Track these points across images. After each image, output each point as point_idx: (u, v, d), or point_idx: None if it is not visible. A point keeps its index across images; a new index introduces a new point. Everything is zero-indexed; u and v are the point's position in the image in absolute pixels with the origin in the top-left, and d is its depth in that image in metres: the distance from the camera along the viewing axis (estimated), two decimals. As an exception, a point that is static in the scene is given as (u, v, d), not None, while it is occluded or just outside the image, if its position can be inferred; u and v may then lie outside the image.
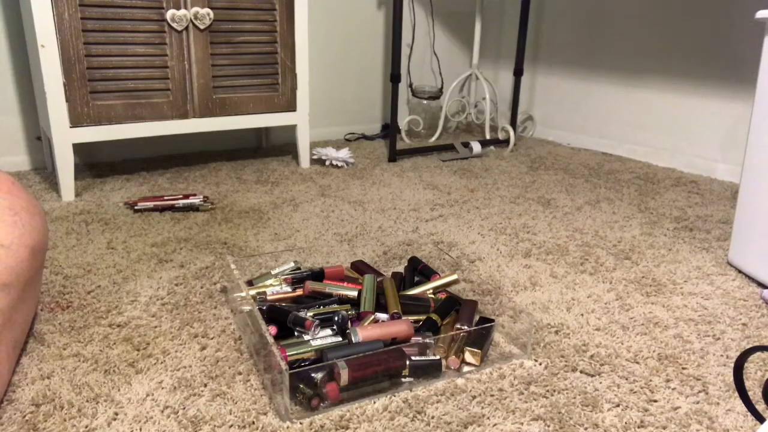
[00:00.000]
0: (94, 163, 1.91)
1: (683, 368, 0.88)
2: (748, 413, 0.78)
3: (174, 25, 1.60)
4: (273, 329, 0.86)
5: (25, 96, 1.80)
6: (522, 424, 0.75)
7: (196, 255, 1.23)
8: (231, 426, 0.73)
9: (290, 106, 1.85)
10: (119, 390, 0.79)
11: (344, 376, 0.76)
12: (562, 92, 2.38)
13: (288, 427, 0.73)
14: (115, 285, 1.09)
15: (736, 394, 0.82)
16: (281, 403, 0.77)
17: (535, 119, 2.50)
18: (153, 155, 2.03)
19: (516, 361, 0.88)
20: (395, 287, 0.98)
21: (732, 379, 0.85)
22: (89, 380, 0.81)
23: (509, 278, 1.16)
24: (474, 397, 0.80)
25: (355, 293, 0.97)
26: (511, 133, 2.22)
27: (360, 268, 1.11)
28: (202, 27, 1.64)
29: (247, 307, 0.97)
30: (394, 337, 0.85)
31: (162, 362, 0.86)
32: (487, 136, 2.36)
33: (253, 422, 0.74)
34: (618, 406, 0.79)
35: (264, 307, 0.92)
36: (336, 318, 0.88)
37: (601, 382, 0.84)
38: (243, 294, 0.95)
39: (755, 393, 0.82)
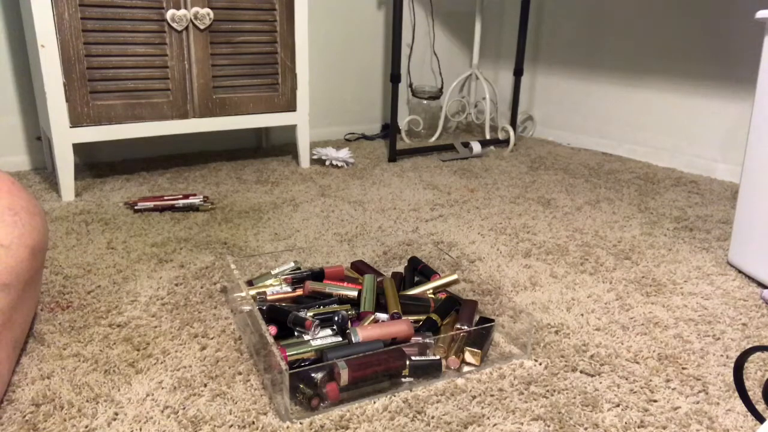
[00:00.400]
0: (94, 163, 1.91)
1: (683, 368, 0.88)
2: (748, 413, 0.78)
3: (174, 25, 1.60)
4: (273, 329, 0.86)
5: (25, 96, 1.80)
6: (522, 424, 0.75)
7: (196, 255, 1.23)
8: (231, 426, 0.73)
9: (290, 106, 1.85)
10: (119, 390, 0.79)
11: (344, 376, 0.76)
12: (562, 92, 2.38)
13: (288, 427, 0.73)
14: (115, 285, 1.09)
15: (736, 394, 0.82)
16: (281, 403, 0.77)
17: (535, 119, 2.50)
18: (153, 155, 2.03)
19: (516, 361, 0.88)
20: (395, 287, 0.98)
21: (732, 379, 0.85)
22: (89, 380, 0.81)
23: (509, 278, 1.16)
24: (474, 397, 0.80)
25: (355, 293, 0.97)
26: (511, 133, 2.22)
27: (360, 268, 1.11)
28: (202, 27, 1.64)
29: (247, 307, 0.97)
30: (394, 337, 0.85)
31: (162, 362, 0.86)
32: (487, 136, 2.36)
33: (253, 422, 0.74)
34: (618, 406, 0.79)
35: (264, 307, 0.92)
36: (336, 318, 0.88)
37: (601, 382, 0.84)
38: (243, 294, 0.95)
39: (755, 393, 0.82)
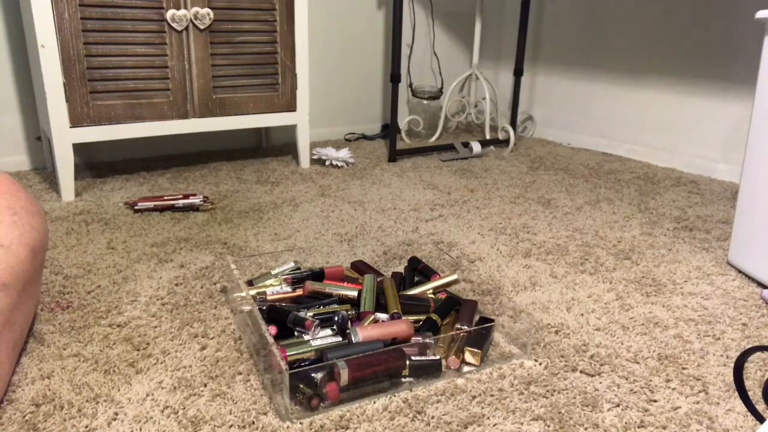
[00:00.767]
0: (94, 163, 1.91)
1: (683, 368, 0.88)
2: (748, 413, 0.78)
3: (174, 25, 1.60)
4: (273, 329, 0.86)
5: (25, 96, 1.80)
6: (522, 424, 0.75)
7: (196, 255, 1.23)
8: (231, 426, 0.73)
9: (290, 106, 1.85)
10: (119, 390, 0.79)
11: (344, 376, 0.76)
12: (562, 92, 2.38)
13: (288, 427, 0.73)
14: (115, 285, 1.09)
15: (736, 394, 0.82)
16: (281, 403, 0.77)
17: (535, 119, 2.50)
18: (153, 155, 2.03)
19: (516, 361, 0.88)
20: (395, 287, 0.98)
21: (732, 379, 0.85)
22: (89, 380, 0.81)
23: (509, 278, 1.16)
24: (474, 397, 0.80)
25: (355, 293, 0.97)
26: (511, 133, 2.22)
27: (360, 268, 1.11)
28: (202, 27, 1.64)
29: (247, 307, 0.97)
30: (394, 337, 0.85)
31: (162, 362, 0.86)
32: (487, 136, 2.36)
33: (253, 422, 0.74)
34: (618, 406, 0.79)
35: (264, 307, 0.92)
36: (336, 318, 0.88)
37: (601, 382, 0.84)
38: (243, 294, 0.95)
39: (755, 393, 0.82)
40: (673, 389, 0.83)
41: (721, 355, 0.91)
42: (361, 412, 0.76)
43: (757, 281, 1.17)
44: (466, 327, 0.90)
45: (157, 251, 1.25)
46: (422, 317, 0.93)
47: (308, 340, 0.84)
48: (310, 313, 0.89)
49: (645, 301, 1.08)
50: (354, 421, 0.75)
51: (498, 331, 0.96)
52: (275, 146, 2.21)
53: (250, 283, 1.03)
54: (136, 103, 1.61)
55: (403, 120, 2.39)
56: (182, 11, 1.60)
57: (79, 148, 1.89)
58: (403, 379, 0.82)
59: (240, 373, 0.84)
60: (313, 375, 0.77)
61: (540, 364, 0.88)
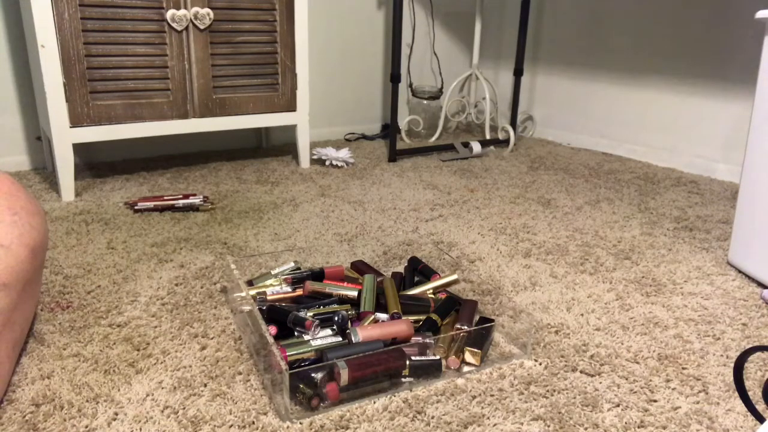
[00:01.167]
0: (94, 163, 1.91)
1: (683, 368, 0.88)
2: (748, 413, 0.78)
3: (174, 25, 1.60)
4: (273, 329, 0.86)
5: (25, 96, 1.80)
6: (522, 424, 0.75)
7: (196, 255, 1.23)
8: (231, 426, 0.73)
9: (290, 106, 1.85)
10: (119, 390, 0.79)
11: (344, 376, 0.76)
12: (562, 92, 2.38)
13: (288, 427, 0.73)
14: (115, 285, 1.09)
15: (736, 394, 0.82)
16: (281, 403, 0.77)
17: (535, 119, 2.50)
18: (153, 155, 2.03)
19: (516, 361, 0.88)
20: (395, 287, 0.98)
21: (732, 379, 0.85)
22: (89, 380, 0.81)
23: (509, 278, 1.16)
24: (474, 397, 0.80)
25: (355, 293, 0.97)
26: (511, 133, 2.22)
27: (360, 268, 1.11)
28: (202, 27, 1.64)
29: (247, 307, 0.97)
30: (394, 337, 0.85)
31: (162, 362, 0.86)
32: (487, 136, 2.36)
33: (253, 422, 0.74)
34: (618, 406, 0.79)
35: (264, 307, 0.92)
36: (336, 318, 0.88)
37: (601, 382, 0.84)
38: (243, 294, 0.95)
39: (755, 393, 0.82)
40: (673, 389, 0.83)
41: (721, 355, 0.91)
42: (361, 412, 0.76)
43: (757, 281, 1.17)
44: (466, 327, 0.90)
45: (157, 251, 1.25)
46: (422, 317, 0.93)
47: (308, 340, 0.84)
48: (310, 313, 0.89)
49: (645, 301, 1.08)
50: (354, 421, 0.75)
51: (498, 331, 0.96)
52: (275, 146, 2.21)
53: (250, 283, 1.03)
54: (136, 103, 1.61)
55: (403, 120, 2.39)
56: (182, 11, 1.60)
57: (79, 148, 1.89)
58: (403, 379, 0.82)
59: (240, 373, 0.84)
60: (313, 375, 0.77)
61: (540, 364, 0.88)
